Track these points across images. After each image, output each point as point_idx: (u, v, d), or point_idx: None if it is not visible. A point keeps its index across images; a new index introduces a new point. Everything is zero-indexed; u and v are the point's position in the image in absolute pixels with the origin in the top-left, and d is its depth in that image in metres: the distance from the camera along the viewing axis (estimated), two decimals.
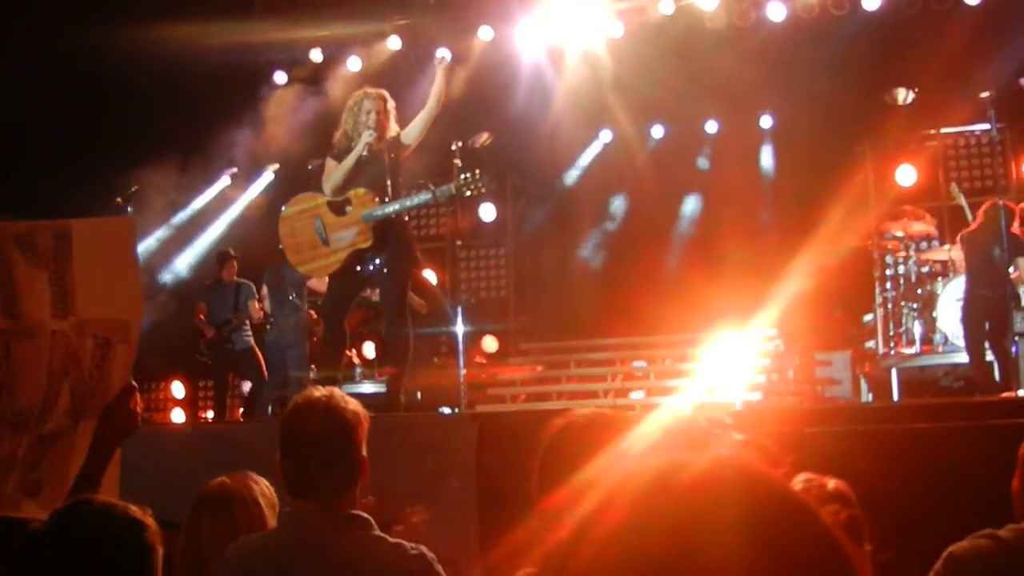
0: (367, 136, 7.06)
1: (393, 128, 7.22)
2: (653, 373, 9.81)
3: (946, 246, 9.68)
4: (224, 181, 12.02)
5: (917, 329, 9.47)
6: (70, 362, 2.76)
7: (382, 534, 2.66)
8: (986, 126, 8.51)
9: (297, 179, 10.39)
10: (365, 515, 2.66)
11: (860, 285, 10.30)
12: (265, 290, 10.14)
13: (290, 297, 9.87)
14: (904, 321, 9.73)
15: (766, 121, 11.88)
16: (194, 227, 11.76)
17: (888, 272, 10.16)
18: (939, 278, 9.48)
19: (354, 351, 10.35)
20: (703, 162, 12.26)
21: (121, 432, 2.72)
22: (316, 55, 11.55)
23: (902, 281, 9.82)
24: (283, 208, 7.54)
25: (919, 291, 9.60)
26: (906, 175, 10.76)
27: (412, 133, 7.20)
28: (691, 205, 12.22)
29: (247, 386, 10.52)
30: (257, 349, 10.06)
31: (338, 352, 7.46)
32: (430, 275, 10.88)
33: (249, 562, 2.67)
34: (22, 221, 2.91)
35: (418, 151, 7.39)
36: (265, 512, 3.09)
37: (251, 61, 11.47)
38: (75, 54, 8.95)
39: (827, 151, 10.84)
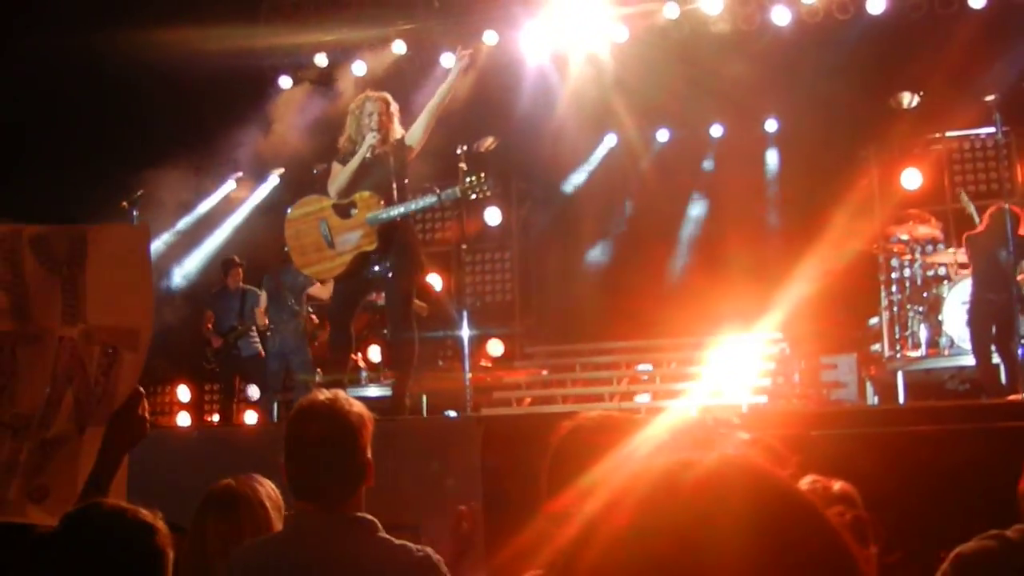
0: (371, 138, 7.03)
1: (397, 131, 7.19)
2: (658, 376, 9.78)
3: (951, 249, 9.67)
4: (229, 185, 12.04)
5: (923, 332, 9.46)
6: (75, 368, 2.74)
7: (387, 536, 2.66)
8: (991, 130, 8.51)
9: (302, 183, 10.40)
10: (370, 517, 2.66)
11: (865, 288, 10.28)
12: (264, 296, 10.15)
13: (289, 303, 9.86)
14: (910, 324, 9.72)
15: (771, 125, 11.85)
16: (200, 231, 11.77)
17: (894, 275, 10.14)
18: (945, 281, 9.47)
19: (359, 354, 10.35)
20: (708, 165, 12.25)
21: (130, 438, 2.72)
22: (321, 59, 11.55)
23: (908, 284, 9.81)
24: (288, 211, 7.53)
25: (925, 294, 9.60)
26: (911, 179, 10.75)
27: (416, 133, 7.17)
28: (696, 209, 12.20)
29: (253, 391, 10.54)
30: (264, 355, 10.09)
31: (344, 355, 7.42)
32: (434, 279, 10.86)
33: (254, 564, 2.67)
34: (37, 224, 2.90)
35: (423, 155, 7.37)
36: (271, 514, 3.09)
37: (256, 65, 11.47)
38: (79, 56, 8.93)
39: (832, 155, 10.84)
